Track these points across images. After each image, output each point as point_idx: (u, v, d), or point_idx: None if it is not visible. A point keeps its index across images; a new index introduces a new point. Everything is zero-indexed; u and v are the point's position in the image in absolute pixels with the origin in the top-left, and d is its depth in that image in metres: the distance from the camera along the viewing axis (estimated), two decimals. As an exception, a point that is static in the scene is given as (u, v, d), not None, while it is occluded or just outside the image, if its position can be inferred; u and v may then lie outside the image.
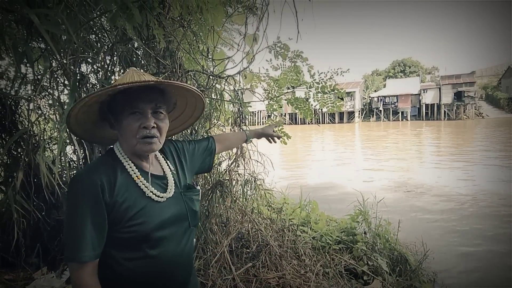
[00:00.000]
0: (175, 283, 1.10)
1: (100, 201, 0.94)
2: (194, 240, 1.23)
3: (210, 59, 2.68)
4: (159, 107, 1.04)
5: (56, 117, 2.58)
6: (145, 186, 1.04)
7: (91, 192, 0.94)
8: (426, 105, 50.05)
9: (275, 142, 1.77)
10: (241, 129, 1.62)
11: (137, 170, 1.05)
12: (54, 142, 2.81)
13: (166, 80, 1.03)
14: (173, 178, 1.14)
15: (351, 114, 52.66)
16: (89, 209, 0.93)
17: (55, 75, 2.46)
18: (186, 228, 1.11)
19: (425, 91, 50.30)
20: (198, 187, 1.22)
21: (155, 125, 1.02)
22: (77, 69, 2.23)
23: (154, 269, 1.02)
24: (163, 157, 1.19)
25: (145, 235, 0.99)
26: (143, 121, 1.00)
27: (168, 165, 1.18)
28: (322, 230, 3.70)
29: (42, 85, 2.48)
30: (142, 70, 2.66)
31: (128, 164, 1.04)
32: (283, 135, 2.17)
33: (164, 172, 1.15)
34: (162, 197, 1.06)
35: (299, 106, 2.53)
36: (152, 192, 1.04)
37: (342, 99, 2.63)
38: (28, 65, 2.48)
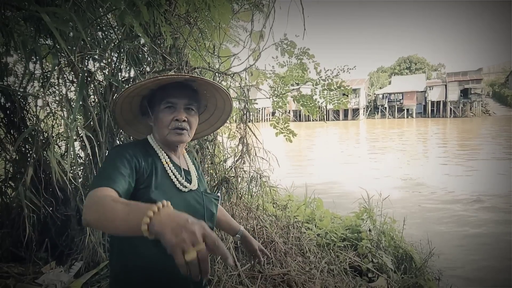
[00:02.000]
0: (186, 283, 1.09)
1: (133, 163, 1.01)
2: None
3: (216, 56, 2.68)
4: (191, 104, 1.14)
5: (63, 113, 2.60)
6: (172, 174, 1.11)
7: (129, 154, 1.02)
8: (432, 102, 49.60)
9: (254, 264, 1.54)
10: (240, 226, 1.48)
11: (167, 157, 1.14)
12: (61, 139, 2.83)
13: (199, 76, 1.13)
14: (196, 176, 1.22)
15: (355, 111, 52.39)
16: (125, 162, 0.99)
17: (63, 72, 2.48)
18: None
19: (431, 88, 49.82)
20: (218, 194, 1.28)
21: (186, 119, 1.12)
22: (85, 66, 2.25)
23: (166, 265, 1.00)
24: (190, 158, 1.28)
25: None
26: (175, 114, 1.11)
27: (193, 164, 1.27)
28: (327, 227, 3.70)
29: (50, 82, 2.51)
30: (148, 67, 2.67)
31: (160, 152, 1.13)
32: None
33: (188, 168, 1.23)
34: (186, 186, 1.12)
35: (305, 103, 2.53)
36: (178, 181, 1.11)
37: (346, 95, 2.61)
38: (35, 62, 2.51)
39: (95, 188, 0.87)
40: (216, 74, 2.59)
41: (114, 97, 1.13)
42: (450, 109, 47.96)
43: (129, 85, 1.12)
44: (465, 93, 47.21)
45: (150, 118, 1.16)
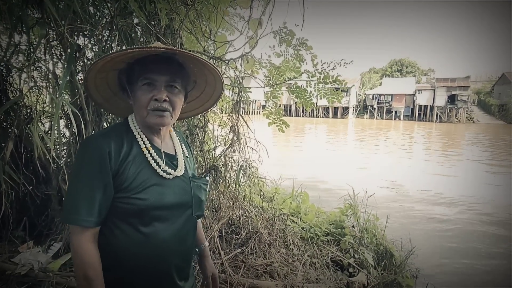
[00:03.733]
0: (169, 273, 1.04)
1: (107, 168, 0.93)
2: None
3: (212, 41, 2.62)
4: (174, 81, 1.01)
5: (49, 89, 2.50)
6: (153, 160, 1.01)
7: (100, 158, 0.93)
8: (420, 106, 50.51)
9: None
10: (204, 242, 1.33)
11: (148, 142, 1.03)
12: (45, 115, 2.73)
13: (179, 49, 0.99)
14: (183, 160, 1.11)
15: (345, 109, 52.84)
16: (98, 174, 0.92)
17: (50, 46, 2.37)
18: (188, 216, 1.07)
19: (420, 92, 50.69)
20: (207, 178, 1.19)
21: (167, 99, 0.99)
22: (74, 39, 2.15)
23: (148, 250, 0.98)
24: (178, 139, 1.17)
25: (141, 210, 0.96)
26: (155, 93, 0.98)
27: (181, 146, 1.16)
28: (312, 221, 3.73)
29: (36, 56, 2.39)
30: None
31: (139, 136, 1.03)
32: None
33: (175, 151, 1.12)
34: (169, 173, 1.02)
35: (300, 94, 2.50)
36: (160, 167, 1.01)
37: (339, 89, 2.60)
38: (21, 34, 2.38)
39: (78, 224, 0.91)
40: (211, 59, 2.53)
41: (86, 73, 1.01)
42: (437, 114, 48.96)
43: (97, 59, 0.98)
44: (452, 99, 48.23)
45: (129, 97, 1.03)
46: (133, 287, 1.00)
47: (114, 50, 2.56)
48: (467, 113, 48.69)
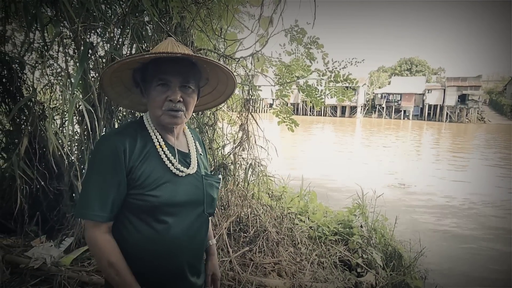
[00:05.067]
0: (181, 269, 1.05)
1: (122, 165, 0.95)
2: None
3: (222, 39, 2.62)
4: (188, 81, 1.03)
5: (62, 87, 2.53)
6: (166, 158, 1.03)
7: (114, 155, 0.95)
8: (429, 106, 49.83)
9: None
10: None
11: (162, 140, 1.05)
12: (58, 112, 2.76)
13: (195, 54, 1.00)
14: (196, 158, 1.13)
15: (353, 109, 52.44)
16: (112, 170, 0.95)
17: (64, 43, 2.40)
18: (200, 213, 1.09)
19: (430, 91, 49.99)
20: (220, 176, 1.21)
21: (181, 99, 1.01)
22: (88, 38, 2.18)
23: (160, 246, 0.99)
24: (192, 136, 1.19)
25: (154, 207, 0.97)
26: (169, 93, 1.00)
27: (195, 144, 1.18)
28: (319, 220, 3.71)
29: (49, 54, 2.43)
30: (151, 46, 2.61)
31: (154, 133, 1.05)
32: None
33: (189, 149, 1.14)
34: (182, 171, 1.04)
35: (310, 93, 2.49)
36: (173, 164, 1.03)
37: (349, 88, 2.57)
38: (35, 30, 2.42)
39: (91, 219, 0.94)
40: (221, 57, 2.53)
41: (102, 73, 1.05)
42: (447, 113, 48.25)
43: (112, 62, 1.01)
44: (462, 98, 47.47)
45: (143, 94, 1.06)
46: (146, 282, 1.02)
47: (126, 48, 2.59)
48: (478, 113, 47.87)
